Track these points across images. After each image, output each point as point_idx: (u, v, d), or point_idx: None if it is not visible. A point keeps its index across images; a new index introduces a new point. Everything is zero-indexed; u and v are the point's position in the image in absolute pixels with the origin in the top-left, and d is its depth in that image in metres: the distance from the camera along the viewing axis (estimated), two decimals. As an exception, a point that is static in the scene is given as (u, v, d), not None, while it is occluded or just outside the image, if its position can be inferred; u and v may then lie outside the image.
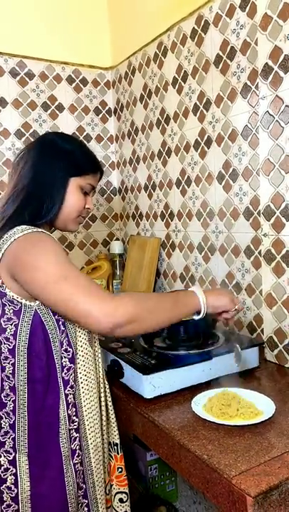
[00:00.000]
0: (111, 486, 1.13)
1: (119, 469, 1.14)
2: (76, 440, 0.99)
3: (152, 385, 1.11)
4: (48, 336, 0.95)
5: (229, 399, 1.04)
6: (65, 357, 0.96)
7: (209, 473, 0.85)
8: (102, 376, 1.09)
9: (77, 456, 0.99)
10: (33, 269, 0.90)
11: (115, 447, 1.14)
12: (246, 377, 1.23)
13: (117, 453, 1.14)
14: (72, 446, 0.98)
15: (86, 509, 1.01)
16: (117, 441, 1.14)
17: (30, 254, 0.91)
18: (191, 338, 1.26)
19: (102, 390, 1.08)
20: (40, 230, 0.96)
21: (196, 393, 1.10)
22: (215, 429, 0.96)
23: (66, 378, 0.97)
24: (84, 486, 1.01)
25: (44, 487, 0.94)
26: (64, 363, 0.96)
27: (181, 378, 1.15)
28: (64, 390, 0.97)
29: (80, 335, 1.00)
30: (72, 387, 0.98)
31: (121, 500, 1.14)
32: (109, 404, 1.12)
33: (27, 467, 0.94)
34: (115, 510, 1.14)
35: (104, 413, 1.08)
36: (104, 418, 1.08)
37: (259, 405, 1.02)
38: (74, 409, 0.99)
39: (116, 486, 1.14)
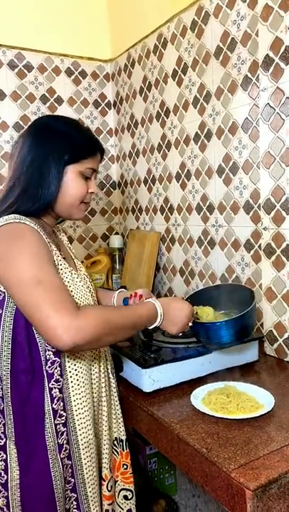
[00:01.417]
0: (115, 482, 1.10)
1: (125, 466, 1.11)
2: (64, 435, 0.96)
3: (151, 378, 1.10)
4: (30, 327, 0.93)
5: (229, 393, 1.04)
6: (49, 350, 0.94)
7: (208, 467, 0.85)
8: (105, 371, 1.06)
9: (65, 451, 0.96)
10: (8, 264, 0.87)
11: (121, 443, 1.10)
12: (246, 371, 1.23)
13: (123, 449, 1.11)
14: (60, 440, 0.95)
15: (75, 503, 0.99)
16: (123, 438, 1.10)
17: (8, 248, 0.88)
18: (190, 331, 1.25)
19: (103, 385, 1.05)
20: (24, 221, 0.91)
21: (195, 387, 1.10)
22: (214, 423, 0.96)
23: (50, 372, 0.94)
24: (72, 480, 0.98)
25: (32, 478, 0.93)
26: (48, 356, 0.94)
27: (180, 372, 1.14)
28: (48, 384, 0.94)
29: None
30: (57, 381, 0.95)
31: (126, 498, 1.11)
32: (115, 399, 1.10)
33: (16, 456, 0.93)
34: (119, 507, 1.11)
35: (105, 408, 1.05)
36: (105, 414, 1.05)
37: (258, 399, 1.02)
38: (62, 404, 0.95)
39: (121, 482, 1.11)
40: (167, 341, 1.26)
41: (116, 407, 1.10)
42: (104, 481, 1.06)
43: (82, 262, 2.11)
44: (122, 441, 1.11)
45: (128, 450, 1.12)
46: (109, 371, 1.09)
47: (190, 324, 1.10)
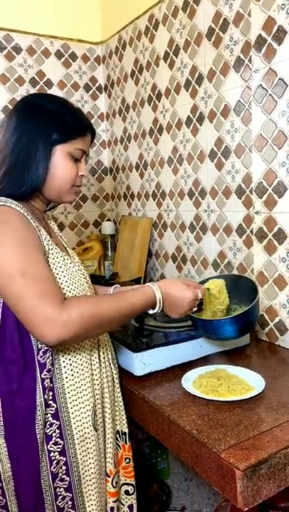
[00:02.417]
0: (118, 477, 1.06)
1: (127, 460, 1.07)
2: (52, 426, 0.92)
3: (142, 362, 1.10)
4: None
5: (220, 376, 1.04)
6: None
7: (198, 448, 0.85)
8: (106, 360, 1.03)
9: (54, 444, 0.92)
10: None
11: (123, 436, 1.07)
12: (237, 355, 1.23)
13: (125, 442, 1.07)
14: (48, 431, 0.91)
15: (70, 503, 0.94)
16: (126, 431, 1.07)
17: None
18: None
19: (105, 375, 1.02)
20: (9, 204, 0.88)
21: (186, 371, 1.10)
22: (205, 405, 0.96)
23: (42, 361, 0.90)
24: (67, 479, 0.93)
25: (23, 469, 0.91)
26: (40, 345, 0.90)
27: (171, 356, 1.14)
28: (40, 374, 0.90)
29: None
30: (49, 370, 0.91)
31: (127, 493, 1.08)
32: (118, 390, 1.06)
33: (6, 450, 0.90)
34: (120, 502, 1.07)
35: (108, 400, 1.01)
36: (108, 406, 1.01)
37: (249, 381, 1.02)
38: (51, 394, 0.91)
39: (122, 476, 1.07)
40: (159, 326, 1.25)
41: (118, 398, 1.06)
42: (109, 476, 1.02)
43: (73, 249, 2.10)
44: (124, 434, 1.07)
45: (130, 443, 1.08)
46: (111, 361, 1.05)
47: (194, 309, 1.04)
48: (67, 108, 0.99)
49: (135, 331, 1.22)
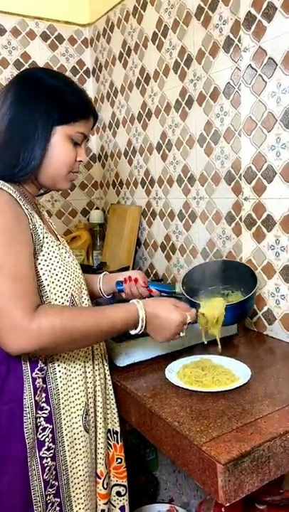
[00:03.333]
0: (109, 478, 1.01)
1: (118, 460, 1.02)
2: (45, 431, 0.84)
3: (125, 353, 1.06)
4: None
5: (204, 366, 1.01)
6: None
7: (180, 440, 0.81)
8: (100, 357, 0.97)
9: (47, 450, 0.84)
10: None
11: (115, 436, 1.01)
12: (224, 345, 1.19)
13: (117, 442, 1.02)
14: (40, 436, 0.83)
15: (58, 509, 0.87)
16: (117, 429, 1.01)
17: None
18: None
19: (97, 373, 0.95)
20: (0, 186, 0.79)
21: (172, 361, 1.06)
22: (188, 396, 0.92)
23: (34, 359, 0.83)
24: (56, 484, 0.86)
25: (4, 484, 0.81)
26: None
27: (155, 346, 1.10)
28: (31, 373, 0.82)
29: None
30: (41, 369, 0.83)
31: (118, 494, 1.02)
32: (109, 387, 1.00)
33: None
34: (112, 504, 1.02)
35: (100, 399, 0.96)
36: (100, 405, 0.95)
37: (235, 372, 0.99)
38: (44, 395, 0.84)
39: (114, 477, 1.02)
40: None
41: (110, 396, 1.01)
42: (100, 478, 0.96)
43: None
44: (116, 433, 1.02)
45: (122, 443, 1.03)
46: (103, 356, 0.99)
47: (181, 334, 0.94)
48: (72, 87, 0.90)
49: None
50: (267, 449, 0.77)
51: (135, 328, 0.90)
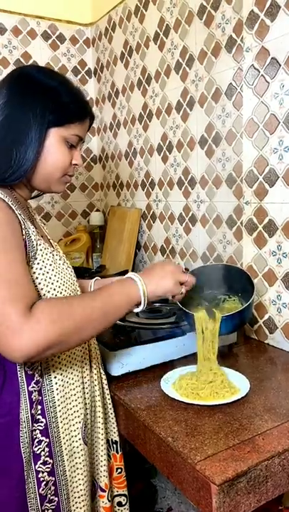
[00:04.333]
0: (111, 489, 0.99)
1: (118, 470, 1.00)
2: (41, 444, 0.81)
3: (120, 362, 1.03)
4: None
5: (203, 378, 0.97)
6: None
7: (173, 457, 0.78)
8: (97, 366, 0.93)
9: (43, 464, 0.81)
10: None
11: (114, 445, 0.99)
12: (223, 354, 1.16)
13: (117, 452, 0.99)
14: (36, 449, 0.81)
15: None
16: (117, 439, 0.99)
17: None
18: (166, 312, 1.18)
19: (96, 383, 0.92)
20: None
21: (168, 370, 1.03)
22: (183, 409, 0.89)
23: (30, 372, 0.80)
24: (55, 499, 0.83)
25: (2, 497, 0.79)
26: None
27: (151, 355, 1.07)
28: (27, 387, 0.79)
29: None
30: (37, 382, 0.80)
31: (120, 504, 1.00)
32: (108, 397, 0.97)
33: None
34: None
35: (100, 409, 0.93)
36: (100, 415, 0.93)
37: (233, 383, 0.95)
38: (39, 408, 0.81)
39: (114, 488, 0.99)
40: (141, 322, 1.18)
41: (108, 405, 0.98)
42: (104, 491, 0.93)
43: (60, 240, 2.02)
44: (115, 442, 0.99)
45: (122, 452, 1.00)
46: (100, 365, 0.96)
47: (182, 291, 0.91)
48: (67, 87, 0.86)
49: (114, 328, 1.14)
50: (264, 469, 0.73)
51: (135, 293, 0.84)
